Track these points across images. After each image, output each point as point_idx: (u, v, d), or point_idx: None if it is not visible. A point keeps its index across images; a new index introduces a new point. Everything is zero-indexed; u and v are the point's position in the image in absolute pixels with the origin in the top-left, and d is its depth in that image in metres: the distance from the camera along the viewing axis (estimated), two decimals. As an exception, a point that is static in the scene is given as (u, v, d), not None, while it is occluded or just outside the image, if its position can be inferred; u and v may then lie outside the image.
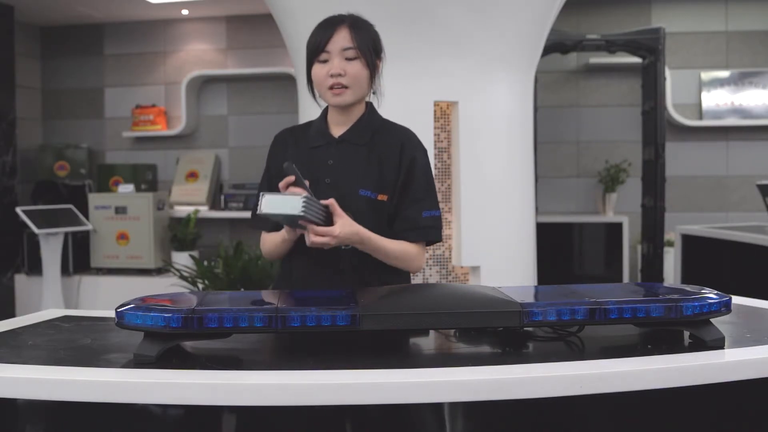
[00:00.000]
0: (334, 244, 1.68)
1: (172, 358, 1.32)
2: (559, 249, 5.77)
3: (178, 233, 5.67)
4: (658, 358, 1.29)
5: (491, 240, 3.19)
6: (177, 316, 1.28)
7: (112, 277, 5.64)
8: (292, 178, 1.64)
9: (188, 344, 1.40)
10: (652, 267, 5.35)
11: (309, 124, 1.94)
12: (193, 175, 6.21)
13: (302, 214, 1.55)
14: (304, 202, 1.55)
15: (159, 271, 5.67)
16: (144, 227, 5.59)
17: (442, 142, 3.22)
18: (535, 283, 3.58)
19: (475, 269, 3.19)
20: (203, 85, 6.39)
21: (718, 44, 5.95)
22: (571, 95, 6.09)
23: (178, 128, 6.23)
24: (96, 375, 1.22)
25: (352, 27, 1.80)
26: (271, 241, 1.87)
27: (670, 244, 5.45)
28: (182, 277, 4.94)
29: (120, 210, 5.61)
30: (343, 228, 1.67)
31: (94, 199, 5.69)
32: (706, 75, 5.92)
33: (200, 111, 6.40)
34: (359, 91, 1.81)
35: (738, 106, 5.87)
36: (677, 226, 5.02)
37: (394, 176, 1.82)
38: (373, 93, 1.88)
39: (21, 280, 5.79)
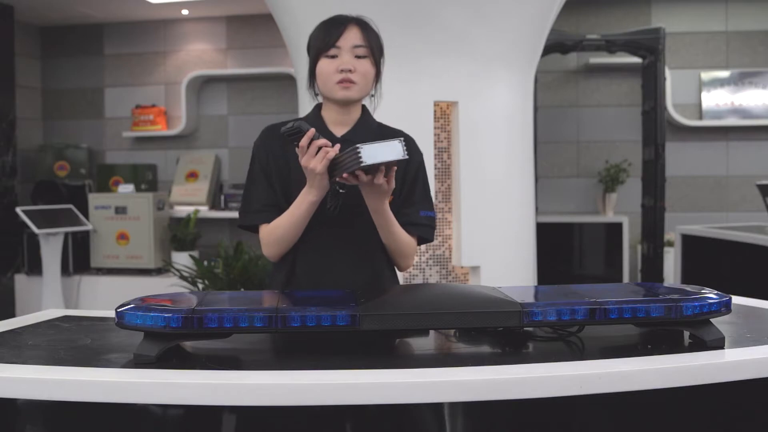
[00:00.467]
0: (383, 192, 1.68)
1: (172, 358, 1.32)
2: (559, 249, 5.77)
3: (178, 233, 5.67)
4: (658, 358, 1.29)
5: (491, 240, 3.20)
6: (177, 316, 1.28)
7: (112, 277, 5.64)
8: (313, 130, 1.63)
9: (188, 344, 1.40)
10: (652, 267, 5.35)
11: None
12: (193, 175, 6.21)
13: (406, 156, 1.57)
14: (404, 144, 1.56)
15: (159, 271, 5.67)
16: (144, 227, 5.59)
17: (442, 142, 3.22)
18: (535, 283, 3.58)
19: (475, 269, 3.19)
20: (203, 85, 6.39)
21: (718, 44, 5.95)
22: (571, 95, 6.09)
23: (178, 128, 6.23)
24: (96, 375, 1.22)
25: (361, 26, 1.82)
26: (288, 224, 1.78)
27: (670, 244, 5.45)
28: (182, 277, 4.94)
29: (120, 210, 5.61)
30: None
31: (94, 199, 5.69)
32: (706, 75, 5.92)
33: (200, 111, 6.40)
34: (365, 88, 1.82)
35: (738, 106, 5.87)
36: (677, 226, 5.02)
37: (400, 180, 1.83)
38: (371, 96, 1.88)
39: (21, 280, 5.79)
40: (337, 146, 1.65)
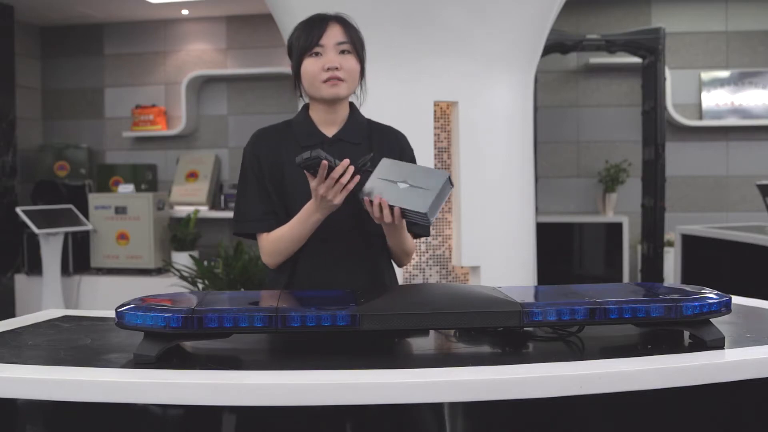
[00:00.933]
0: None
1: (172, 358, 1.32)
2: (559, 249, 5.77)
3: (178, 233, 5.67)
4: (658, 358, 1.29)
5: (491, 240, 3.19)
6: (177, 316, 1.28)
7: (112, 277, 5.64)
8: (325, 163, 1.58)
9: (188, 344, 1.40)
10: (652, 267, 5.35)
11: (288, 123, 1.90)
12: (193, 175, 6.22)
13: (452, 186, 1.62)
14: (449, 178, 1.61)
15: (159, 271, 5.67)
16: (144, 227, 5.59)
17: (442, 142, 3.22)
18: (535, 283, 3.58)
19: (475, 269, 3.19)
20: (203, 85, 6.39)
21: (718, 44, 5.95)
22: (571, 95, 6.09)
23: (178, 128, 6.23)
24: (96, 375, 1.22)
25: (342, 23, 1.81)
26: (291, 237, 1.77)
27: (670, 244, 5.45)
28: (182, 277, 4.94)
29: (120, 210, 5.61)
30: None
31: (94, 199, 5.69)
32: (706, 75, 5.92)
33: (200, 111, 6.40)
34: (353, 85, 1.82)
35: (738, 106, 5.87)
36: (677, 226, 5.02)
37: None
38: (356, 93, 1.88)
39: (21, 280, 5.79)
40: (357, 178, 1.62)
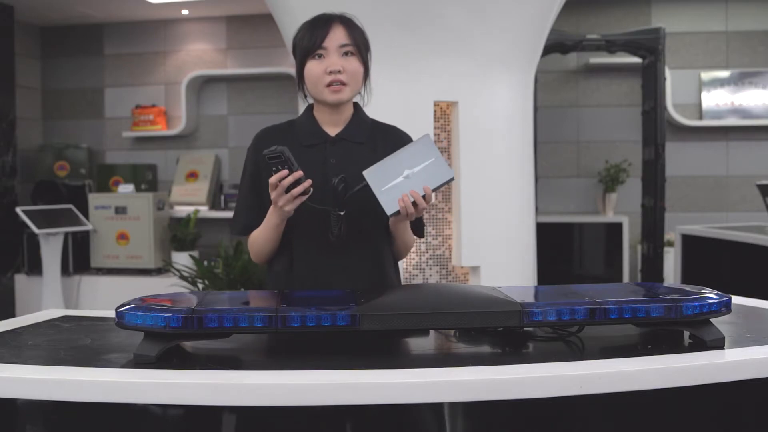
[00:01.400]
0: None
1: (172, 358, 1.32)
2: (559, 249, 5.77)
3: (178, 233, 5.67)
4: (658, 358, 1.29)
5: (491, 240, 3.19)
6: (177, 316, 1.28)
7: (112, 277, 5.64)
8: (285, 172, 1.61)
9: (188, 344, 1.40)
10: (652, 267, 5.35)
11: (291, 123, 1.91)
12: (193, 175, 6.22)
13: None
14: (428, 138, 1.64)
15: (159, 271, 5.67)
16: (144, 227, 5.59)
17: (442, 142, 3.22)
18: (535, 283, 3.58)
19: (475, 269, 3.19)
20: (203, 85, 6.39)
21: (718, 44, 5.95)
22: (571, 95, 6.09)
23: (178, 128, 6.23)
24: (96, 375, 1.22)
25: (345, 24, 1.80)
26: (262, 238, 1.82)
27: (670, 244, 5.45)
28: (182, 277, 4.94)
29: (120, 210, 5.61)
30: None
31: (94, 199, 5.69)
32: (706, 75, 5.92)
33: (200, 111, 6.40)
34: (356, 87, 1.81)
35: (738, 106, 5.87)
36: (677, 226, 5.02)
37: None
38: (360, 94, 1.88)
39: (21, 280, 5.79)
40: (307, 182, 1.63)
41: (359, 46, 1.80)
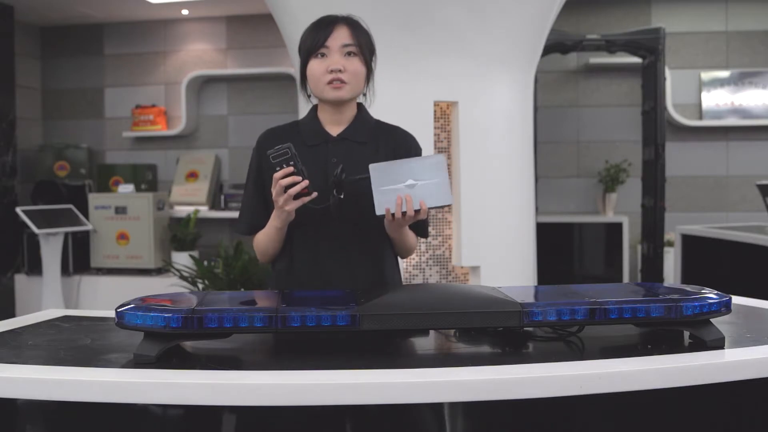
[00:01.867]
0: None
1: (172, 358, 1.32)
2: (559, 249, 5.77)
3: (178, 233, 5.67)
4: (658, 358, 1.29)
5: (491, 240, 3.20)
6: (177, 316, 1.28)
7: (112, 277, 5.64)
8: (289, 169, 1.62)
9: (188, 344, 1.40)
10: (652, 267, 5.35)
11: (295, 123, 1.92)
12: (193, 175, 6.22)
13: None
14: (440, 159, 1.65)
15: (159, 271, 5.68)
16: (144, 227, 5.59)
17: (442, 142, 3.22)
18: (535, 283, 3.58)
19: (475, 269, 3.19)
20: (203, 85, 6.39)
21: (718, 44, 5.95)
22: (571, 95, 6.09)
23: (178, 128, 6.23)
24: (96, 375, 1.22)
25: (350, 25, 1.81)
26: (266, 239, 1.84)
27: (670, 244, 5.45)
28: (182, 277, 4.94)
29: (120, 210, 5.61)
30: None
31: (94, 199, 5.69)
32: (706, 75, 5.92)
33: (200, 111, 6.40)
34: (357, 87, 1.82)
35: (738, 106, 5.87)
36: (677, 226, 5.02)
37: None
38: (363, 94, 1.88)
39: (21, 280, 5.79)
40: (304, 182, 1.64)
41: (362, 47, 1.80)
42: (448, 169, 3.21)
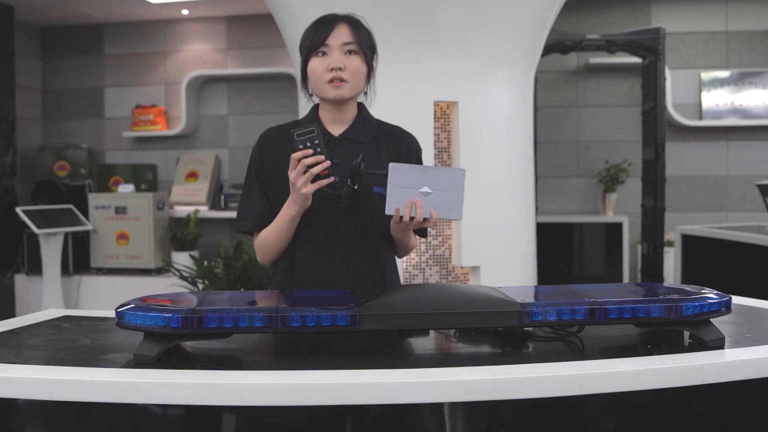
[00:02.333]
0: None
1: (172, 358, 1.32)
2: (559, 249, 5.77)
3: (178, 233, 5.67)
4: (658, 358, 1.29)
5: (491, 240, 3.19)
6: (177, 316, 1.28)
7: (112, 277, 5.64)
8: (310, 151, 1.62)
9: (188, 344, 1.40)
10: (652, 267, 5.35)
11: (296, 123, 1.91)
12: (193, 175, 6.22)
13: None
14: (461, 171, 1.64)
15: (159, 271, 5.68)
16: (144, 227, 5.59)
17: (442, 142, 3.22)
18: (535, 283, 3.58)
19: (475, 269, 3.19)
20: (203, 85, 6.39)
21: (718, 44, 5.95)
22: (571, 95, 6.09)
23: (178, 128, 6.23)
24: (96, 375, 1.22)
25: (350, 24, 1.81)
26: (272, 233, 1.81)
27: (670, 244, 5.45)
28: (182, 277, 4.94)
29: (120, 210, 5.61)
30: None
31: (94, 199, 5.69)
32: (706, 75, 5.92)
33: (200, 111, 6.40)
34: (357, 86, 1.81)
35: (738, 106, 5.87)
36: (677, 226, 5.02)
37: None
38: (364, 93, 1.88)
39: (21, 280, 5.79)
40: (326, 162, 1.64)
41: (363, 45, 1.80)
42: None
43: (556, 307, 1.34)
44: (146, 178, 6.16)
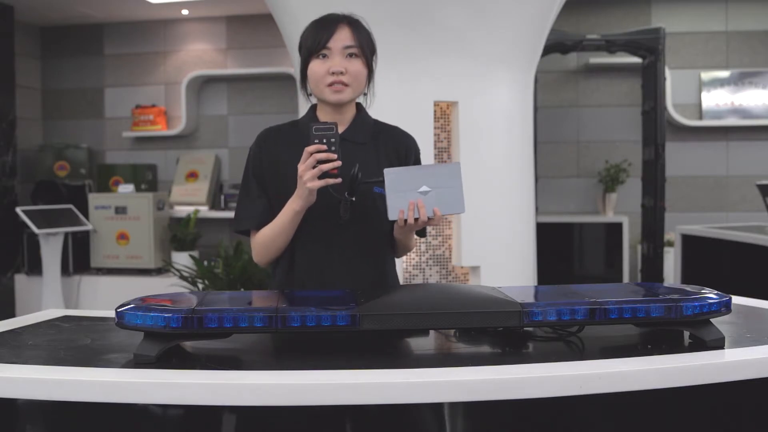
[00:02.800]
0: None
1: (172, 358, 1.32)
2: (559, 249, 5.77)
3: (178, 233, 5.67)
4: (658, 358, 1.29)
5: (491, 240, 3.19)
6: (177, 316, 1.28)
7: (112, 277, 5.64)
8: (323, 147, 1.63)
9: (188, 344, 1.40)
10: (652, 267, 5.35)
11: (294, 123, 1.91)
12: (193, 175, 6.22)
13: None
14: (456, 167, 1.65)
15: (159, 271, 5.68)
16: (144, 227, 5.59)
17: (442, 142, 3.22)
18: (535, 283, 3.58)
19: (475, 269, 3.19)
20: (203, 85, 6.39)
21: (718, 44, 5.95)
22: (571, 95, 6.09)
23: (178, 128, 6.23)
24: (96, 375, 1.22)
25: (352, 26, 1.80)
26: (273, 231, 1.79)
27: (670, 244, 5.45)
28: (182, 277, 4.94)
29: (120, 210, 5.61)
30: None
31: (94, 199, 5.69)
32: (706, 75, 5.92)
33: (200, 111, 6.40)
34: (358, 89, 1.81)
35: (738, 106, 5.87)
36: (677, 226, 5.02)
37: None
38: (364, 94, 1.87)
39: (21, 280, 5.79)
40: (337, 162, 1.64)
41: (364, 47, 1.79)
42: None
43: (556, 307, 1.34)
44: (146, 178, 6.16)
